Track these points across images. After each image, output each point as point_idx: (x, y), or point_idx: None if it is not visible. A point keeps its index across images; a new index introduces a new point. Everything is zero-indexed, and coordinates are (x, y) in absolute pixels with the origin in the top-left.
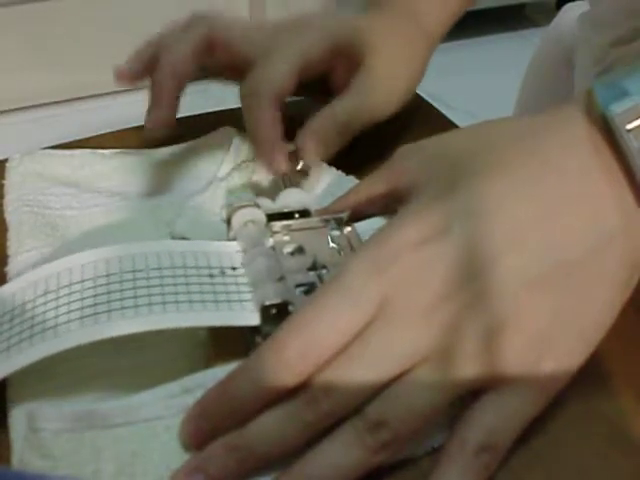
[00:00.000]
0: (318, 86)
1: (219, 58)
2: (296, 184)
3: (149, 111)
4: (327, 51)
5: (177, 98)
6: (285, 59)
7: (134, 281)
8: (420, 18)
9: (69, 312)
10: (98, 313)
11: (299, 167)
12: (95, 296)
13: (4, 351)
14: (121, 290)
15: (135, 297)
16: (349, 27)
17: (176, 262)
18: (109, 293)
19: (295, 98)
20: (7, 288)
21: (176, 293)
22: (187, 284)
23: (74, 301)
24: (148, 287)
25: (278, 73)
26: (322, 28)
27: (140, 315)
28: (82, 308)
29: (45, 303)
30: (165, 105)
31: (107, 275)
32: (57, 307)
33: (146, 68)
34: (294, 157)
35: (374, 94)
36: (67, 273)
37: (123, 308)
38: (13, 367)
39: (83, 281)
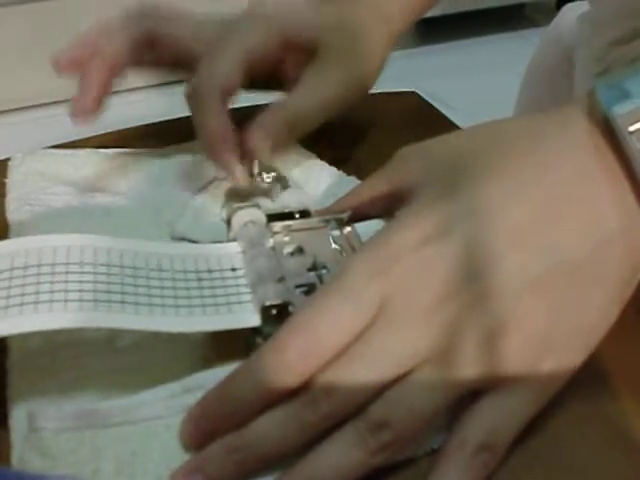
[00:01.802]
0: (272, 80)
1: (164, 53)
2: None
3: (75, 100)
4: (275, 44)
5: (106, 89)
6: (230, 54)
7: (147, 279)
8: (380, 7)
9: (66, 291)
10: (98, 301)
11: (256, 169)
12: (95, 282)
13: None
14: (122, 284)
15: (136, 294)
16: (300, 19)
17: (175, 265)
18: (112, 283)
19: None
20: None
21: (174, 297)
22: (175, 288)
23: (72, 282)
24: (141, 287)
25: (222, 69)
26: (271, 20)
27: (139, 314)
28: (81, 291)
29: (38, 274)
30: (90, 94)
31: (107, 265)
32: (52, 282)
33: (84, 57)
34: (248, 158)
35: (325, 90)
36: (67, 250)
37: (123, 302)
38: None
39: (82, 263)
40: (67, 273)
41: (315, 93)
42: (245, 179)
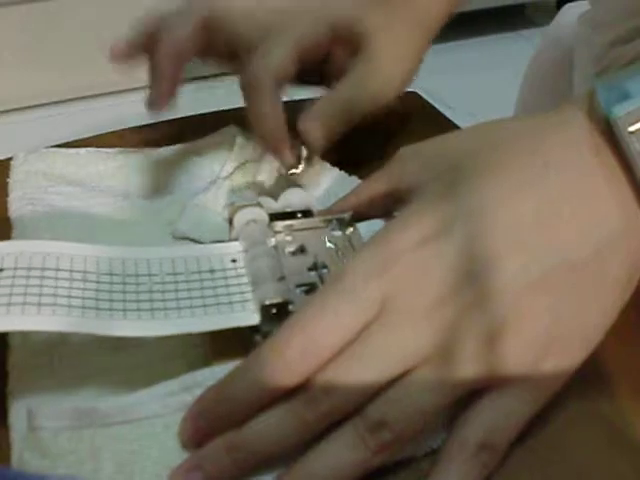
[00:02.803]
0: (317, 75)
1: (218, 40)
2: (296, 178)
3: (150, 91)
4: (325, 35)
5: (178, 78)
6: (283, 45)
7: (137, 285)
8: (417, 9)
9: (70, 297)
10: (100, 309)
11: (304, 155)
12: (98, 291)
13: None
14: (123, 292)
15: (138, 301)
16: (348, 11)
17: (172, 268)
18: (100, 291)
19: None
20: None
21: (177, 299)
22: (164, 291)
23: (75, 288)
24: (137, 292)
25: (276, 60)
26: (321, 11)
27: (141, 319)
28: (84, 298)
29: (27, 277)
30: (166, 84)
31: (97, 273)
32: (56, 287)
33: (143, 47)
34: (296, 144)
35: (375, 79)
36: (57, 258)
37: (125, 310)
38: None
39: (86, 272)
40: (56, 279)
41: (365, 84)
42: (294, 165)
